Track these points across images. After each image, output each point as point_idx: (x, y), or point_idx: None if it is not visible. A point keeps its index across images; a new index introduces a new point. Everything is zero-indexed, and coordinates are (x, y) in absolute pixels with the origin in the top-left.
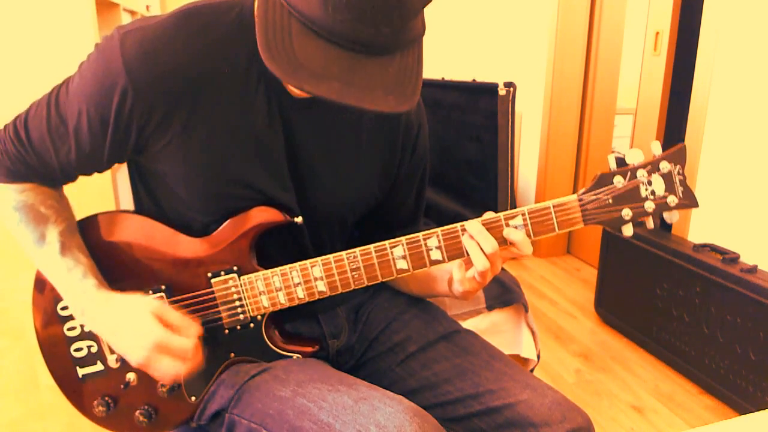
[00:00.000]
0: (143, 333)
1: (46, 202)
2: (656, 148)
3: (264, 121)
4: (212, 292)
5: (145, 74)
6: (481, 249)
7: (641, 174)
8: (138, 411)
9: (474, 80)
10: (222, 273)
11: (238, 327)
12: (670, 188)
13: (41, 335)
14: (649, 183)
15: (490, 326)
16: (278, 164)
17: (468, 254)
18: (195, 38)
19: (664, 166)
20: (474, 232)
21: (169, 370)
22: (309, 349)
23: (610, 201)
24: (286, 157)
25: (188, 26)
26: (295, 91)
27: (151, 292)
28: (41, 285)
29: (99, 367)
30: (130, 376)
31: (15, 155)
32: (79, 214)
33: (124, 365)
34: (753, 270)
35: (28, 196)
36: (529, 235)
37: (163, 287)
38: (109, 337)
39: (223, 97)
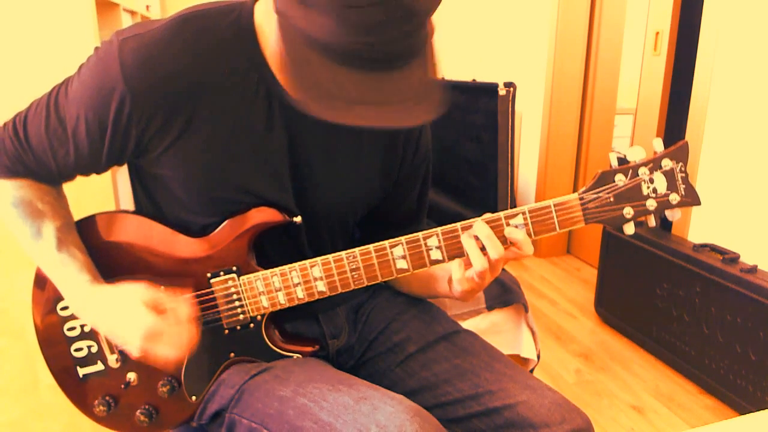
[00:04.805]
0: (135, 323)
1: (44, 198)
2: (658, 146)
3: (264, 123)
4: (212, 292)
5: (144, 81)
6: (483, 251)
7: (643, 172)
8: (139, 410)
9: (474, 80)
10: (221, 273)
11: (238, 327)
12: (672, 186)
13: (41, 335)
14: (651, 181)
15: (490, 326)
16: (278, 166)
17: (467, 254)
18: (194, 43)
19: (666, 163)
20: (483, 236)
21: (166, 355)
22: (309, 349)
23: (612, 199)
24: (287, 158)
25: (187, 31)
26: None
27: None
28: (41, 284)
29: (99, 366)
30: (131, 376)
31: (13, 153)
32: (79, 214)
33: (125, 365)
34: (753, 270)
35: (26, 193)
36: (529, 235)
37: (163, 287)
38: (106, 332)
39: (223, 100)
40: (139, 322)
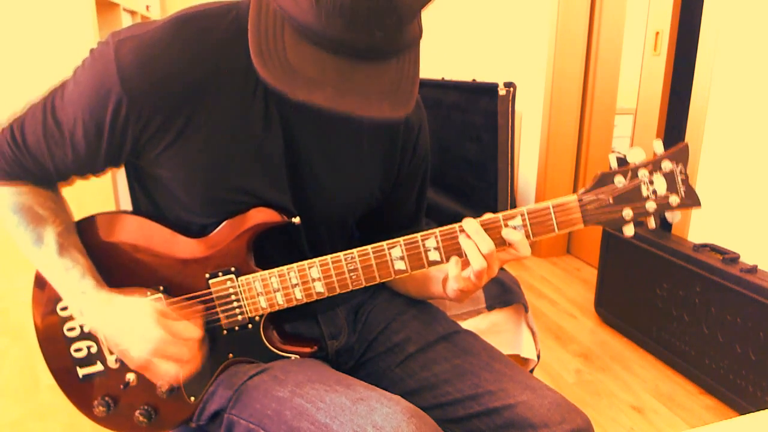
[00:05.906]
0: (144, 336)
1: (44, 203)
2: (658, 147)
3: (262, 123)
4: (210, 293)
5: (141, 83)
6: (478, 249)
7: (643, 173)
8: (138, 411)
9: (474, 80)
10: (220, 274)
11: (236, 328)
12: (672, 188)
13: (41, 335)
14: (651, 182)
15: (490, 326)
16: (277, 166)
17: (465, 254)
18: (192, 43)
19: (666, 165)
20: (471, 232)
21: (167, 373)
22: (307, 350)
23: (611, 201)
24: (284, 158)
25: (185, 32)
26: None
27: (149, 292)
28: (41, 284)
29: (99, 367)
30: (130, 377)
31: (11, 157)
32: (79, 214)
33: (124, 366)
34: (753, 270)
35: (26, 198)
36: (528, 236)
37: (162, 288)
38: (108, 338)
39: (222, 100)
40: (148, 336)
